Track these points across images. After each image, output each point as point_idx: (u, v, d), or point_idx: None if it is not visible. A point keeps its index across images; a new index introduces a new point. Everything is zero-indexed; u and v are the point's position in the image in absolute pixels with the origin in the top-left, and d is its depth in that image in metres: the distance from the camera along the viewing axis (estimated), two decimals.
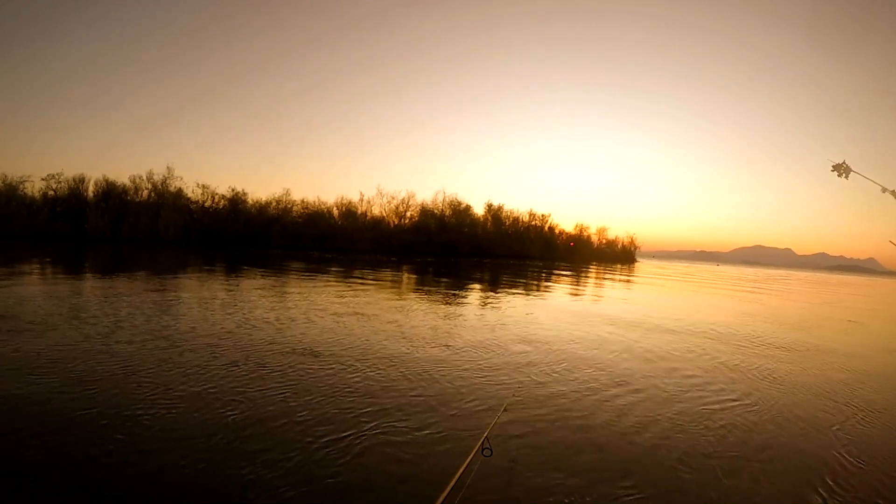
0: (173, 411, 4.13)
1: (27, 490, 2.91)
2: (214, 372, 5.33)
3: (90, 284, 13.09)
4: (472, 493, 2.80)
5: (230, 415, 4.12)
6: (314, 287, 14.98)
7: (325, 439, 3.73)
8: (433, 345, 7.41)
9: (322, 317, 9.33)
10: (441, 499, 1.64)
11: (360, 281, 18.43)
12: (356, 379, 5.39)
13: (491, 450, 2.29)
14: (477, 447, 2.20)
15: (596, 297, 18.52)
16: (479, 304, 13.48)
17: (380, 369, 5.85)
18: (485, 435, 2.28)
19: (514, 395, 4.92)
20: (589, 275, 37.15)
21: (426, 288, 17.81)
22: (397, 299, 13.14)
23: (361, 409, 4.47)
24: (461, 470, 1.93)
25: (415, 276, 23.95)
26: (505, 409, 4.05)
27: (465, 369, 6.10)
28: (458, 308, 12.16)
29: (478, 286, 19.90)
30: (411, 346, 7.27)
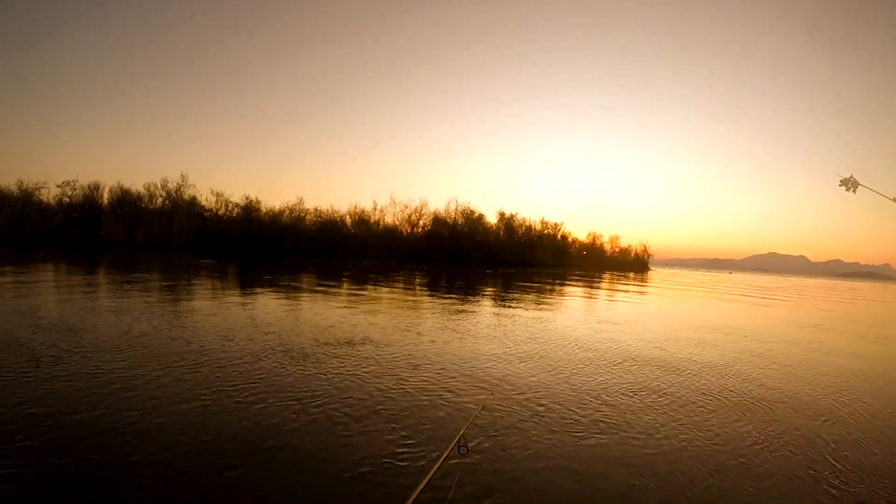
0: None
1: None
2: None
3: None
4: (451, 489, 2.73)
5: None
6: (326, 298, 14.42)
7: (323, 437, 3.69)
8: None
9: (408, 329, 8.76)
10: (414, 496, 1.66)
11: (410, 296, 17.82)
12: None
13: (468, 448, 2.23)
14: (452, 444, 2.13)
15: (662, 309, 17.05)
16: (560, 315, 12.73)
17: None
18: (461, 432, 2.20)
19: (489, 396, 4.86)
20: (612, 283, 36.17)
21: (463, 299, 17.17)
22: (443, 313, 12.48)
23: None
24: (436, 466, 1.90)
25: (433, 284, 23.30)
26: (483, 408, 4.22)
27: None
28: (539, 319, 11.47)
29: (520, 296, 18.85)
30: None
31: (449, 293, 18.02)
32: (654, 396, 5.32)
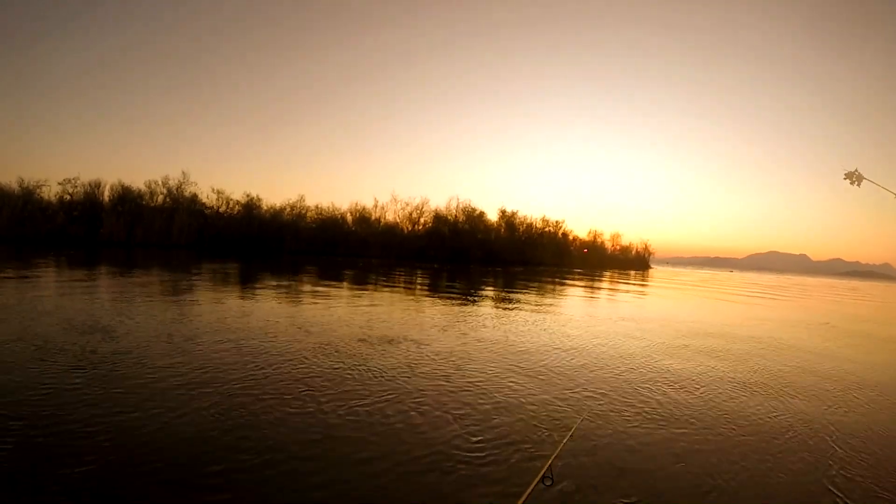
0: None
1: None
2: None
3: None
4: None
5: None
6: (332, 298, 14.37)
7: (371, 454, 3.61)
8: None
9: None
10: None
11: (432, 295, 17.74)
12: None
13: (552, 478, 2.11)
14: (539, 476, 2.06)
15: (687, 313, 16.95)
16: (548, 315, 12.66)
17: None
18: (548, 463, 2.11)
19: (583, 419, 4.47)
20: (617, 282, 36.16)
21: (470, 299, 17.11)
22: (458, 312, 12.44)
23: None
24: (521, 501, 1.80)
25: (445, 284, 23.26)
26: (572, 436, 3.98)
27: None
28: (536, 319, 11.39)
29: (538, 298, 18.70)
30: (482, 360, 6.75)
31: (464, 293, 18.12)
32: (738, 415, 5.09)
